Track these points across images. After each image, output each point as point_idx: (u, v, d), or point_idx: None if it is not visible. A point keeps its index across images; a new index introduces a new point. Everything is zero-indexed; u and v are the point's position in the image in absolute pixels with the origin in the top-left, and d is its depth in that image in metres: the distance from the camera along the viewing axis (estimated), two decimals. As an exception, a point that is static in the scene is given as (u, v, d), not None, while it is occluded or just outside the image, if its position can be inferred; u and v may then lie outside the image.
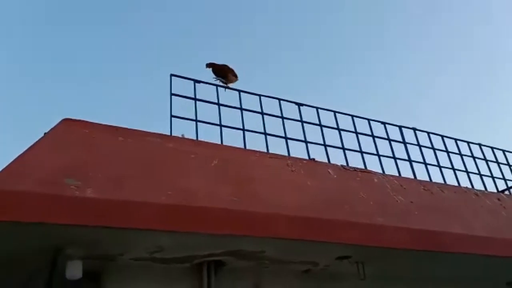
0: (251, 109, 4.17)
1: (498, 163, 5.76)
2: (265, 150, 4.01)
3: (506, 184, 5.80)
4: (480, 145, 5.72)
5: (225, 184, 3.35)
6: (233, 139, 3.91)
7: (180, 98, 3.85)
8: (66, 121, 3.20)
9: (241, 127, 4.03)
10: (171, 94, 3.81)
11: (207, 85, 4.15)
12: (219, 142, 3.83)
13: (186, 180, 3.22)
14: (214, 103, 4.05)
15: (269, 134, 4.13)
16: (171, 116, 3.72)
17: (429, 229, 3.81)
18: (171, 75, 3.90)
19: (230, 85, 4.26)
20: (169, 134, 3.64)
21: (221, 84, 4.18)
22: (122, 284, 3.27)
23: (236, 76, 4.33)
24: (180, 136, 3.77)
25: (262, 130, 4.12)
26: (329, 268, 3.91)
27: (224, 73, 4.27)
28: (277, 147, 4.07)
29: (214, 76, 4.25)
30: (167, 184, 3.10)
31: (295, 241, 3.26)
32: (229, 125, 4.00)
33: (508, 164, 5.88)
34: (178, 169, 3.30)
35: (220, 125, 3.91)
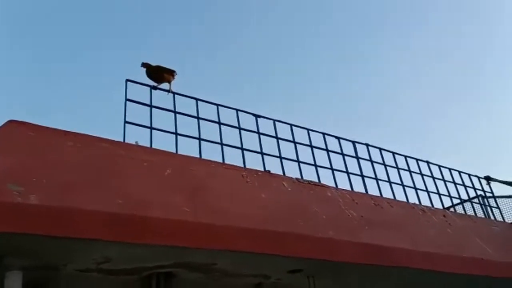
0: (209, 118, 4.12)
1: (445, 181, 6.01)
2: (221, 161, 3.97)
3: (452, 201, 6.05)
4: (428, 162, 5.95)
5: (178, 194, 3.28)
6: (188, 148, 3.84)
7: (135, 104, 3.75)
8: (11, 123, 3.03)
9: (197, 136, 3.97)
10: (126, 100, 3.70)
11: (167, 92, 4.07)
12: (174, 151, 3.75)
13: (137, 189, 3.12)
14: (170, 111, 3.98)
15: (225, 145, 4.10)
16: (125, 122, 3.61)
17: (379, 244, 3.90)
18: (127, 80, 3.79)
19: (172, 85, 4.07)
20: (122, 141, 3.52)
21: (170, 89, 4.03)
22: (65, 296, 3.11)
23: (172, 74, 4.10)
24: (133, 143, 3.67)
25: (219, 140, 4.09)
26: (281, 281, 3.90)
27: (157, 74, 4.04)
28: (233, 158, 4.05)
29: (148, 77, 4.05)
30: (117, 193, 2.99)
31: (247, 254, 3.23)
32: (184, 133, 3.93)
33: (453, 181, 6.13)
34: (130, 177, 3.20)
35: (176, 134, 3.84)
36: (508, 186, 7.10)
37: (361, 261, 3.67)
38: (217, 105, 4.25)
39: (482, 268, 4.60)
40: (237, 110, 4.36)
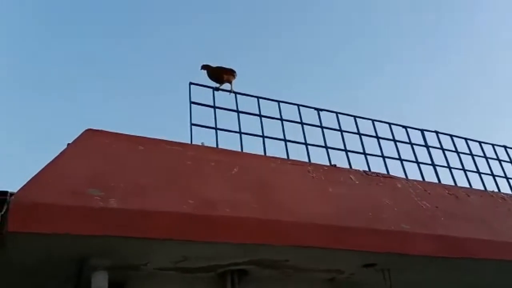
0: (269, 115, 4.14)
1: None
2: (285, 157, 3.98)
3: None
4: (505, 147, 5.59)
5: (246, 192, 3.33)
6: (252, 146, 3.89)
7: (199, 106, 3.86)
8: (88, 131, 3.23)
9: (261, 134, 4.01)
10: (191, 103, 3.81)
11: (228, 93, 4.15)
12: (239, 150, 3.81)
13: (206, 188, 3.21)
14: (233, 110, 4.05)
15: (289, 141, 4.10)
16: (191, 124, 3.73)
17: (456, 236, 3.72)
18: (190, 83, 3.91)
19: (233, 84, 4.13)
20: (189, 142, 3.64)
21: (230, 90, 4.10)
22: (146, 294, 3.27)
23: (233, 74, 4.17)
24: (200, 144, 3.77)
25: (282, 137, 4.09)
26: (354, 276, 3.84)
27: (217, 76, 4.11)
28: (297, 154, 4.04)
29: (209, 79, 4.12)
30: (188, 193, 3.09)
31: (319, 249, 3.21)
32: (248, 132, 3.98)
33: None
34: (199, 177, 3.29)
35: (240, 132, 3.90)
36: None
37: (437, 254, 3.53)
38: (278, 101, 4.26)
39: None
40: (298, 105, 4.34)
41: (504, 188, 5.20)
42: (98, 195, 2.71)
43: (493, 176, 5.22)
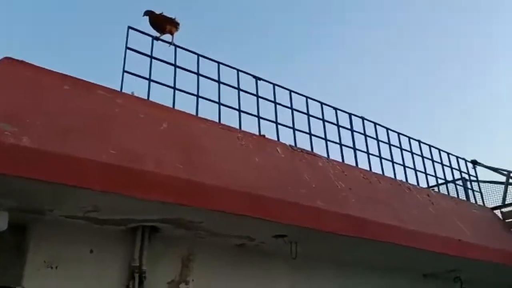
0: (208, 76, 4.03)
1: (433, 161, 6.07)
2: (217, 120, 3.92)
3: (437, 181, 6.14)
4: (419, 141, 5.98)
5: (172, 150, 3.25)
6: (185, 104, 3.78)
7: (136, 54, 3.63)
8: (6, 60, 2.92)
9: (195, 93, 3.89)
10: (126, 48, 3.58)
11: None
12: (171, 106, 3.68)
13: (132, 140, 3.08)
14: (171, 64, 3.87)
15: (223, 105, 4.03)
16: (124, 71, 3.51)
17: (365, 217, 3.96)
18: (129, 27, 3.65)
19: (175, 37, 3.93)
20: (119, 90, 3.43)
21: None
22: (49, 241, 3.11)
23: (176, 25, 3.91)
24: (130, 93, 3.58)
25: (217, 99, 4.02)
26: (264, 244, 3.96)
27: (159, 24, 3.83)
28: (229, 119, 4.00)
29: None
30: (112, 142, 2.95)
31: (235, 216, 3.25)
32: (183, 89, 3.84)
33: (441, 162, 6.20)
34: (125, 128, 3.14)
35: (174, 88, 3.75)
36: (492, 172, 7.23)
37: (346, 232, 3.74)
38: (219, 63, 4.15)
39: (459, 249, 4.73)
40: (238, 70, 4.26)
41: (410, 179, 5.60)
42: (10, 131, 2.48)
43: (404, 166, 5.58)
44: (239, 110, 4.11)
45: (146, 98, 3.55)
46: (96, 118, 3.05)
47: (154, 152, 3.10)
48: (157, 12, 3.92)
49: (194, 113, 3.79)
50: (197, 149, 3.43)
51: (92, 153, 2.73)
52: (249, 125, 4.11)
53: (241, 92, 4.22)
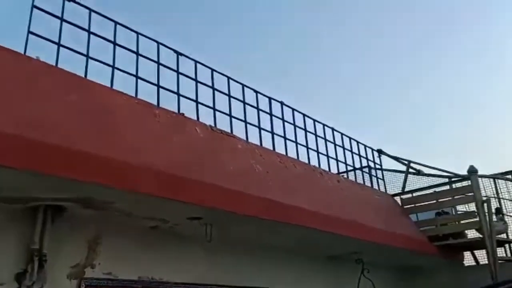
0: (126, 46, 3.74)
1: (344, 148, 6.33)
2: (133, 94, 3.68)
3: (346, 167, 6.43)
4: (333, 129, 6.19)
5: (82, 123, 2.98)
6: (99, 74, 3.48)
7: (44, 14, 3.24)
8: None
9: (111, 64, 3.60)
10: (33, 7, 3.18)
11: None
12: (83, 75, 3.37)
13: (37, 109, 2.76)
14: (83, 29, 3.51)
15: (141, 78, 3.78)
16: (29, 32, 3.12)
17: (280, 201, 4.00)
18: (36, -17, 3.25)
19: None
20: (22, 52, 3.05)
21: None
22: None
23: None
24: (34, 57, 3.21)
25: (134, 72, 3.76)
26: (178, 227, 3.84)
27: None
28: (147, 94, 3.77)
29: None
30: (15, 111, 2.62)
31: (149, 196, 3.09)
32: (97, 58, 3.53)
33: (351, 150, 6.50)
34: (30, 95, 2.81)
35: (87, 56, 3.43)
36: (395, 161, 7.74)
37: (263, 215, 3.74)
38: (137, 33, 3.87)
39: (361, 232, 4.99)
40: (158, 43, 4.02)
41: (325, 166, 5.80)
42: None
43: (318, 152, 5.75)
44: (158, 85, 3.89)
45: (54, 64, 3.19)
46: (-5, 82, 2.68)
47: (63, 124, 2.82)
48: None
49: (109, 85, 3.50)
50: (111, 124, 3.19)
51: (-13, 121, 2.39)
52: (168, 103, 3.92)
53: (160, 67, 3.99)
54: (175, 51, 4.14)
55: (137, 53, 3.81)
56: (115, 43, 3.65)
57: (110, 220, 3.47)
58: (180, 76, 4.15)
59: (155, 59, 3.93)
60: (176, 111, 3.96)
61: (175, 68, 4.09)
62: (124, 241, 3.65)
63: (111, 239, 3.54)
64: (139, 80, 3.75)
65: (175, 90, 4.03)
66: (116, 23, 3.69)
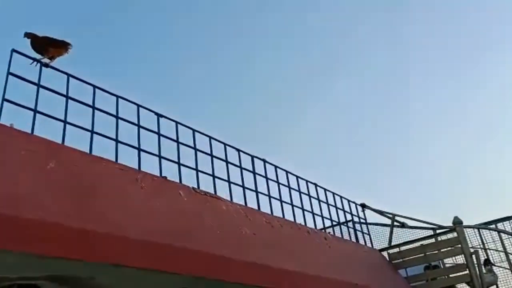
0: (105, 110, 3.63)
1: (328, 204, 6.22)
2: (113, 159, 3.52)
3: (332, 223, 6.28)
4: (316, 185, 6.11)
5: (59, 193, 2.79)
6: (77, 140, 3.33)
7: (19, 80, 3.12)
8: None
9: (90, 128, 3.46)
10: (8, 73, 3.07)
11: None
12: (60, 142, 3.21)
13: (9, 180, 2.57)
14: (60, 94, 3.40)
15: (121, 142, 3.64)
16: (3, 99, 2.98)
17: (271, 265, 3.80)
18: (13, 50, 3.16)
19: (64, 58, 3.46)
20: (-4, 121, 2.90)
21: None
22: None
23: (65, 47, 3.51)
24: (8, 125, 3.06)
25: (114, 136, 3.62)
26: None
27: (42, 47, 3.39)
28: (127, 159, 3.62)
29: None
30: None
31: (133, 269, 2.86)
32: (74, 123, 3.39)
33: (335, 206, 6.39)
34: (2, 166, 2.62)
35: (65, 122, 3.29)
36: (379, 215, 7.66)
37: (251, 282, 3.53)
38: (117, 96, 3.78)
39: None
40: (138, 105, 3.93)
41: (309, 223, 5.64)
42: None
43: (303, 209, 5.62)
44: (139, 149, 3.75)
45: (29, 132, 3.04)
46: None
47: (36, 196, 2.62)
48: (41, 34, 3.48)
49: (87, 150, 3.35)
50: (90, 192, 3.00)
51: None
52: (150, 166, 3.77)
53: (141, 130, 3.87)
54: (156, 113, 4.06)
55: (116, 117, 3.70)
56: (94, 107, 3.54)
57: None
58: (161, 138, 4.05)
59: (135, 121, 3.82)
60: (159, 174, 3.81)
61: (156, 130, 3.98)
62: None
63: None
64: (119, 144, 3.61)
65: (157, 152, 3.90)
66: (94, 86, 3.60)
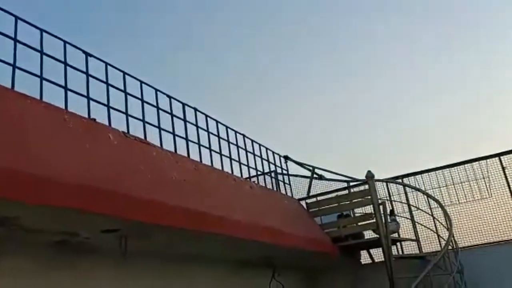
0: (29, 44, 3.37)
1: (254, 155, 6.43)
2: (37, 97, 3.33)
3: (257, 172, 6.52)
4: (244, 136, 6.26)
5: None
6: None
7: None
8: None
9: (12, 62, 3.22)
10: None
11: None
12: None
13: None
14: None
15: (46, 79, 3.43)
16: None
17: (198, 210, 3.92)
18: None
19: None
20: None
21: None
22: None
23: None
24: None
25: (39, 72, 3.40)
26: (89, 240, 3.57)
27: None
28: (54, 97, 3.45)
29: None
30: None
31: (60, 210, 2.82)
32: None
33: (260, 156, 6.62)
34: None
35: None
36: (300, 167, 8.05)
37: (183, 225, 3.64)
38: (42, 30, 3.52)
39: (273, 236, 5.10)
40: (65, 42, 3.70)
41: (236, 172, 5.83)
42: None
43: (230, 158, 5.76)
44: (65, 88, 3.57)
45: None
46: None
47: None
48: None
49: (9, 86, 3.13)
50: (15, 131, 2.85)
51: None
52: (78, 107, 3.62)
53: (68, 68, 3.67)
54: (84, 52, 3.85)
55: (41, 52, 3.46)
56: (16, 40, 3.27)
57: (11, 237, 3.10)
58: (90, 79, 3.87)
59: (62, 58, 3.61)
60: (87, 116, 3.68)
61: (85, 70, 3.80)
62: (26, 259, 3.31)
63: (11, 258, 3.17)
64: (44, 81, 3.41)
65: (85, 93, 3.74)
66: (16, 17, 3.32)
